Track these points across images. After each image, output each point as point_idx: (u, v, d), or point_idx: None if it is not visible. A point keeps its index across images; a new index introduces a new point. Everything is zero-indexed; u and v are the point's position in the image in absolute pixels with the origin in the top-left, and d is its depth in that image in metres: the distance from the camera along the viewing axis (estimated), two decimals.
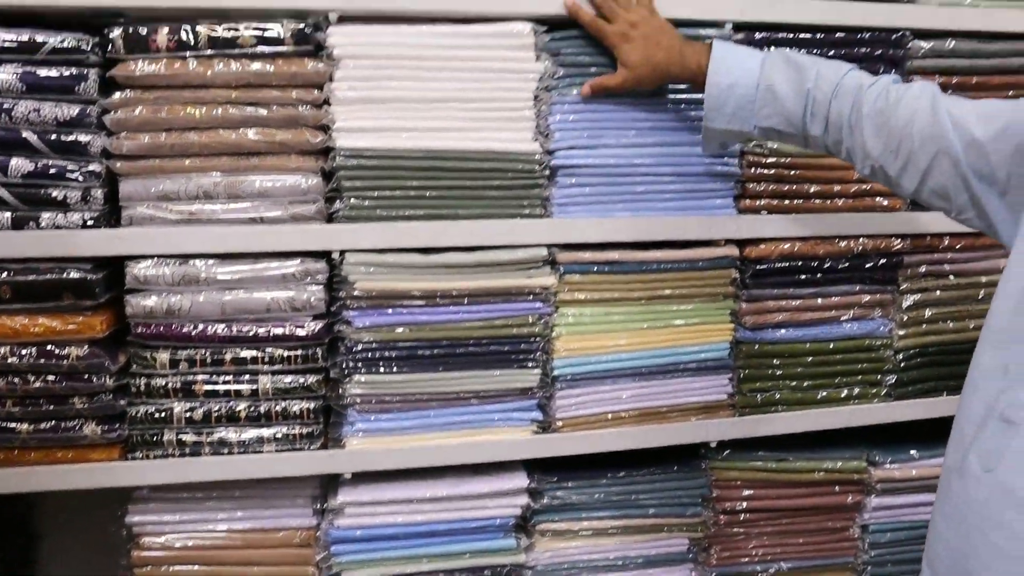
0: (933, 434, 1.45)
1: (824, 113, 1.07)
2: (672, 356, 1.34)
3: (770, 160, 1.32)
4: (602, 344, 1.31)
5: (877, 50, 1.34)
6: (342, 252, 1.22)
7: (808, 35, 1.31)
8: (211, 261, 1.20)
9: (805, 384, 1.40)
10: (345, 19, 1.19)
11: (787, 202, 1.34)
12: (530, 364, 1.29)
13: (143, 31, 1.14)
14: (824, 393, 1.41)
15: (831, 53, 1.31)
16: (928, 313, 1.45)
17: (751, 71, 1.11)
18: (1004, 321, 0.83)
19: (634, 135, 1.27)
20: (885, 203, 1.38)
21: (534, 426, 1.31)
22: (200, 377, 1.23)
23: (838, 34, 1.32)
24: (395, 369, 1.25)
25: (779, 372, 1.39)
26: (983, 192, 0.92)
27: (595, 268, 1.29)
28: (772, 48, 1.19)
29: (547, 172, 1.26)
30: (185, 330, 1.21)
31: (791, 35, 1.31)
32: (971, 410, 0.84)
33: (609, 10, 1.19)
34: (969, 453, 0.83)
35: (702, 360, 1.35)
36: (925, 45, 1.36)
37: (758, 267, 1.34)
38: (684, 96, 1.28)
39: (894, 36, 1.35)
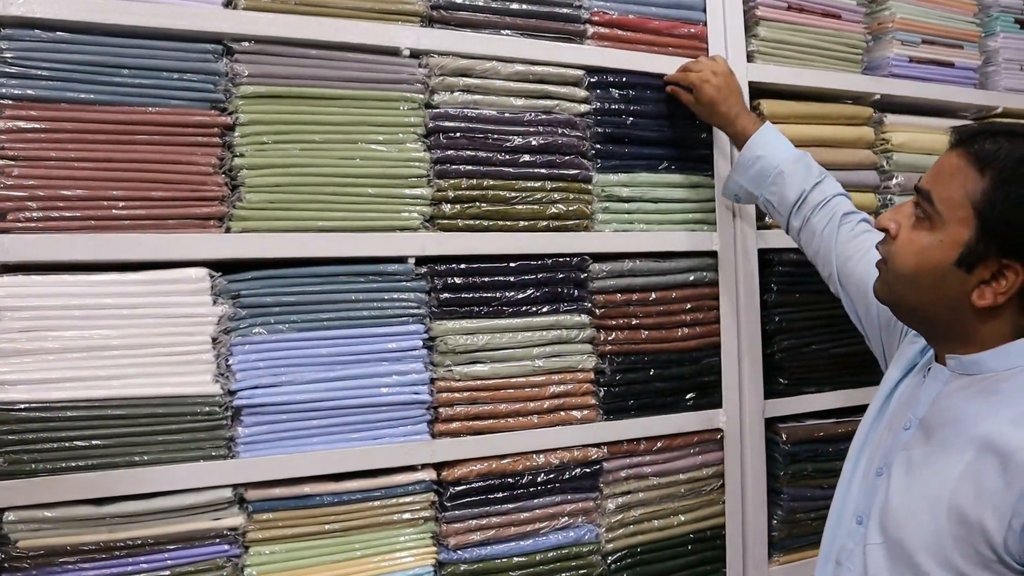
0: None
1: (807, 215, 1.37)
2: None
3: (460, 384, 1.37)
4: None
5: (560, 273, 1.44)
6: (2, 510, 1.14)
7: (490, 264, 1.39)
8: None
9: None
10: (7, 268, 1.16)
11: (482, 423, 1.38)
12: None
13: None
14: None
15: (512, 279, 1.40)
16: (633, 515, 1.51)
17: (777, 155, 1.39)
18: (848, 488, 1.08)
19: (319, 371, 1.28)
20: (579, 415, 1.45)
21: None
22: None
23: (520, 263, 1.41)
24: None
25: None
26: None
27: (287, 504, 1.27)
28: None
29: (229, 413, 1.24)
30: None
31: (474, 265, 1.38)
32: (823, 554, 1.10)
33: (695, 61, 1.49)
34: None
35: None
36: (605, 267, 1.48)
37: (456, 488, 1.36)
38: (369, 331, 1.32)
39: (575, 260, 1.45)
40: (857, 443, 1.13)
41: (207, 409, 1.23)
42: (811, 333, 1.68)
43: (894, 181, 1.78)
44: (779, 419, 1.66)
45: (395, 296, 1.33)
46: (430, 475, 1.35)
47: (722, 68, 1.46)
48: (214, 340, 1.24)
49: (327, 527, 1.30)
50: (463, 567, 1.37)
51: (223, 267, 1.25)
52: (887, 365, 1.22)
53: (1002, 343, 0.97)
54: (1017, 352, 0.96)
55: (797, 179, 1.38)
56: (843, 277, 1.31)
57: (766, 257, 1.64)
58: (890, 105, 1.81)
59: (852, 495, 1.08)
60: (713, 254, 1.58)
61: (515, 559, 1.41)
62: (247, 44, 1.25)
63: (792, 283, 1.65)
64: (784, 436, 1.64)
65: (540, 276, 1.43)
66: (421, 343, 1.35)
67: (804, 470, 1.66)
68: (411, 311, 1.34)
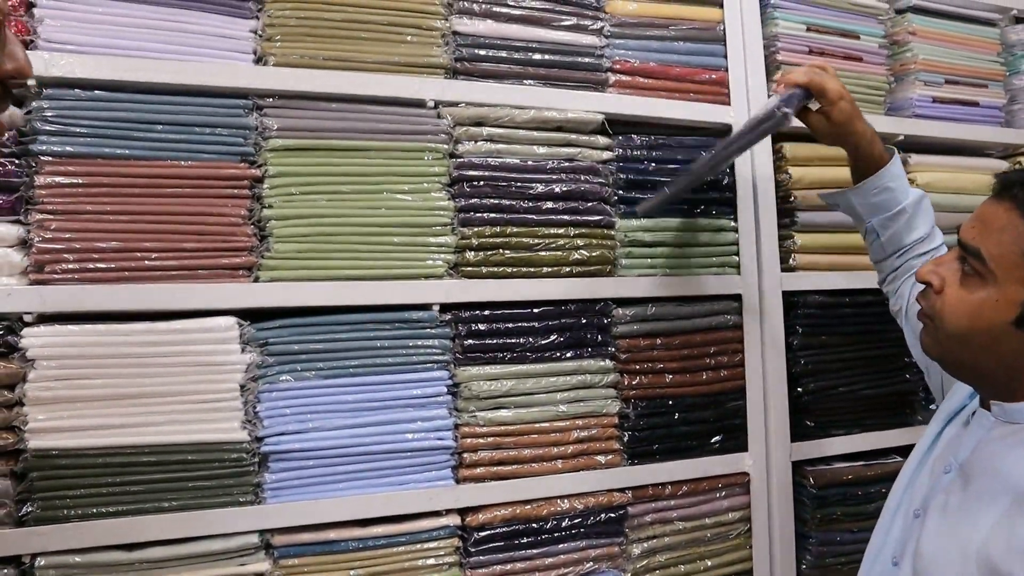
0: None
1: (909, 259, 1.31)
2: None
3: (484, 429, 1.37)
4: None
5: (584, 318, 1.45)
6: (34, 556, 1.17)
7: (514, 310, 1.41)
8: None
9: None
10: (45, 318, 1.19)
11: (506, 468, 1.39)
12: None
13: None
14: None
15: (536, 325, 1.41)
16: (659, 559, 1.50)
17: (904, 191, 1.31)
18: (889, 528, 1.06)
19: (345, 417, 1.30)
20: (604, 460, 1.45)
21: None
22: None
23: (544, 308, 1.42)
24: None
25: None
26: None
27: (312, 549, 1.29)
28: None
29: (257, 459, 1.26)
30: None
31: (498, 311, 1.39)
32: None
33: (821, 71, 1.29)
34: None
35: None
36: (628, 312, 1.48)
37: (480, 534, 1.36)
38: (394, 377, 1.33)
39: (598, 305, 1.46)
40: (900, 485, 1.10)
41: (235, 455, 1.25)
42: (838, 375, 1.67)
43: None
44: (807, 462, 1.64)
45: (420, 343, 1.35)
46: (454, 520, 1.36)
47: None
48: (242, 387, 1.26)
49: (352, 572, 1.31)
50: None
51: (251, 315, 1.28)
52: (943, 397, 1.19)
53: None
54: None
55: (918, 222, 1.31)
56: (912, 314, 1.26)
57: (791, 299, 1.63)
58: (915, 145, 1.80)
59: (892, 536, 1.06)
60: (737, 297, 1.58)
61: None
62: (275, 99, 1.29)
63: (818, 325, 1.65)
64: (812, 479, 1.62)
65: (564, 321, 1.43)
66: (445, 389, 1.36)
67: (833, 514, 1.64)
68: (436, 358, 1.36)
